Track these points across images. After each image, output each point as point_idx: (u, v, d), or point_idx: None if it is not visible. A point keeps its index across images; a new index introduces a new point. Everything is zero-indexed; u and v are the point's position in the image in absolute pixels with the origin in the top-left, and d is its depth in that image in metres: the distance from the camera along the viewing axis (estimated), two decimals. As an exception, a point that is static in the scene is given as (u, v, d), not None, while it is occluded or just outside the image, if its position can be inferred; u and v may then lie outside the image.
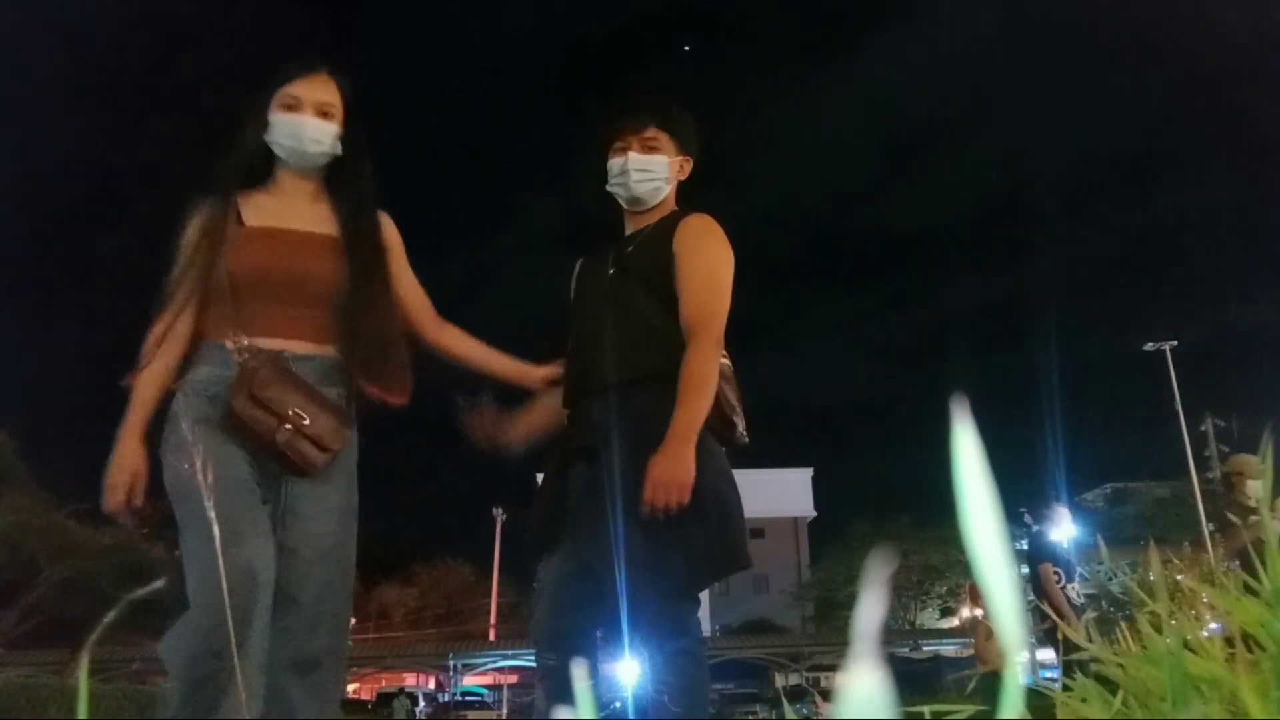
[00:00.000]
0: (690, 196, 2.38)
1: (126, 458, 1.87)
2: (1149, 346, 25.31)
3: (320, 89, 2.10)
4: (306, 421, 1.87)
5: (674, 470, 1.90)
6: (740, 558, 2.02)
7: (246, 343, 1.90)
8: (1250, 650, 0.82)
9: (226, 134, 2.13)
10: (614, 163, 2.26)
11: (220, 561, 1.61)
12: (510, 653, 31.23)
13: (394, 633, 36.99)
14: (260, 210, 2.04)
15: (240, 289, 1.94)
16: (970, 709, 0.91)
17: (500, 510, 35.81)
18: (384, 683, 33.25)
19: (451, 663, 31.44)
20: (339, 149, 2.10)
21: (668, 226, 2.22)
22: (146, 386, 1.91)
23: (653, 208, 2.29)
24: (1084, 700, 0.93)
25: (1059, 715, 0.95)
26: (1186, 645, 0.84)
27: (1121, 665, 0.91)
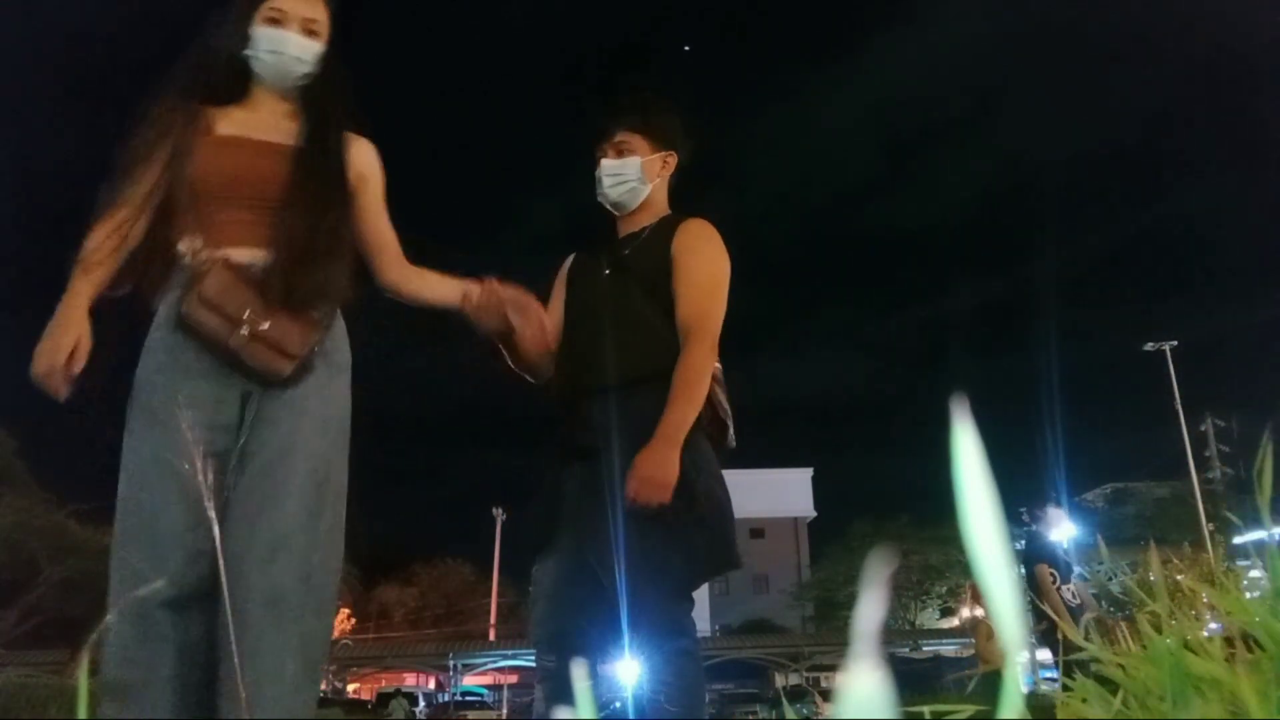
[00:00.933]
0: (691, 195, 2.39)
1: (72, 320, 1.71)
2: (1149, 346, 25.33)
3: (307, 4, 1.98)
4: (264, 325, 1.73)
5: (659, 470, 1.92)
6: (734, 558, 2.05)
7: (201, 248, 1.79)
8: (1250, 650, 0.82)
9: (198, 41, 2.01)
10: (596, 174, 2.29)
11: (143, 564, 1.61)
12: (510, 653, 31.22)
13: (394, 633, 36.99)
14: (230, 121, 1.94)
15: (204, 197, 1.83)
16: (970, 709, 0.91)
17: (500, 510, 35.84)
18: (384, 683, 33.23)
19: (451, 663, 31.42)
20: (319, 69, 1.99)
21: (666, 228, 2.23)
22: (94, 273, 1.77)
23: (640, 210, 2.29)
24: (1084, 700, 0.93)
25: (1059, 715, 0.95)
26: (1186, 645, 0.84)
27: (1121, 665, 0.91)
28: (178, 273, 1.83)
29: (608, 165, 2.26)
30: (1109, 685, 0.93)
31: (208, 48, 2.00)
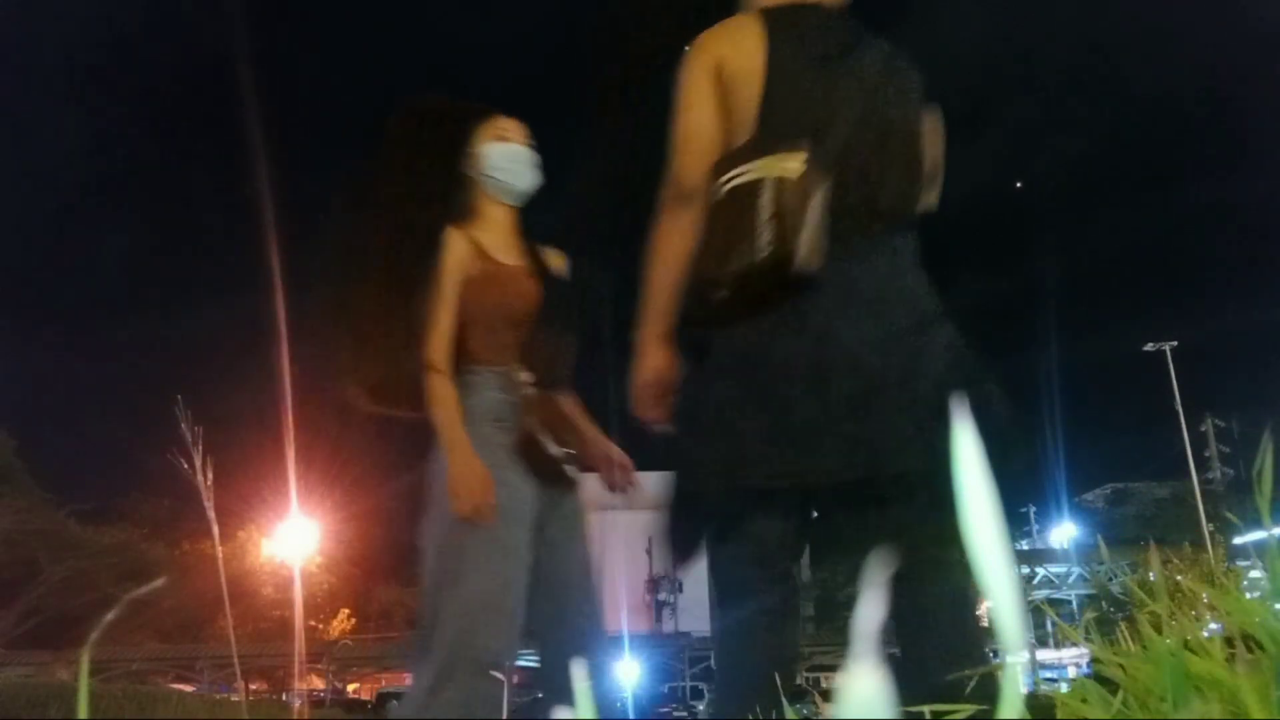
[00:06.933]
0: None
1: (482, 468, 1.91)
2: (1149, 346, 25.35)
3: (521, 127, 2.17)
4: (570, 447, 2.11)
5: None
6: None
7: (525, 374, 2.05)
8: (1250, 650, 0.82)
9: (426, 162, 2.15)
10: None
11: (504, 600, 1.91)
12: (510, 653, 31.14)
13: (394, 633, 36.98)
14: (491, 245, 2.10)
15: (499, 320, 2.04)
16: (970, 709, 0.91)
17: (500, 510, 35.76)
18: (384, 683, 33.25)
19: (451, 663, 31.35)
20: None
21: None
22: (455, 406, 1.96)
23: None
24: (1084, 700, 0.93)
25: (1059, 715, 0.95)
26: (1186, 645, 0.84)
27: (1121, 665, 0.91)
28: (487, 378, 2.02)
29: None
30: (1109, 685, 0.93)
31: (438, 167, 2.13)
